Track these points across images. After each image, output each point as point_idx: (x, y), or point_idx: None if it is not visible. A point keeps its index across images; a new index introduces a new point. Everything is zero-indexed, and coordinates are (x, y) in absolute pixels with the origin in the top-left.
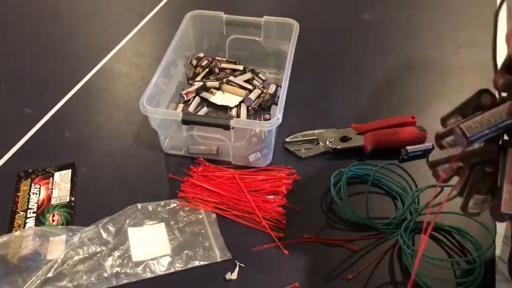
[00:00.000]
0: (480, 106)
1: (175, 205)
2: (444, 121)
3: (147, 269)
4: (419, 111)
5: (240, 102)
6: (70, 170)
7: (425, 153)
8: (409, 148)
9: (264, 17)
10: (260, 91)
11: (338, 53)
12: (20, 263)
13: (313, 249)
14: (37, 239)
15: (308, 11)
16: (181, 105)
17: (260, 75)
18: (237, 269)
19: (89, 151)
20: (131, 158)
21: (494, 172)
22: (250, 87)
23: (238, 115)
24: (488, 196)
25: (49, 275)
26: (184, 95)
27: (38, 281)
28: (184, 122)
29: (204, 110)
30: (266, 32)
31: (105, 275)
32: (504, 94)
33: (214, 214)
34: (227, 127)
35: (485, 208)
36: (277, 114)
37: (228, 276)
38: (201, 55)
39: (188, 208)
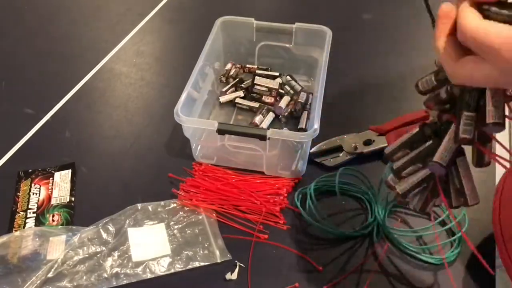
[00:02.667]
0: (426, 136)
1: (175, 205)
2: (390, 155)
3: (147, 270)
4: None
5: (268, 109)
6: (70, 170)
7: None
8: None
9: (296, 23)
10: (290, 98)
11: (339, 53)
12: (20, 263)
13: (314, 249)
14: (37, 239)
15: (308, 11)
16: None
17: (296, 82)
18: (237, 269)
19: (89, 151)
20: (131, 158)
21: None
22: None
23: (261, 122)
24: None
25: (49, 275)
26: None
27: (38, 281)
28: (220, 131)
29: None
30: (297, 39)
31: (105, 275)
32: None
33: (214, 215)
34: (263, 138)
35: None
36: (314, 125)
37: (228, 276)
38: (229, 66)
39: (188, 208)
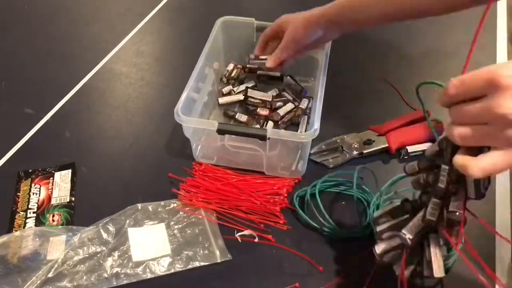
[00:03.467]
0: (405, 211)
1: (175, 205)
2: (377, 219)
3: (147, 270)
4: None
5: (267, 117)
6: (70, 170)
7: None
8: (409, 148)
9: None
10: (293, 106)
11: (339, 53)
12: (20, 263)
13: (314, 249)
14: (37, 239)
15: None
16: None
17: (296, 83)
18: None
19: (89, 151)
20: (131, 158)
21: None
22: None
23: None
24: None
25: (49, 275)
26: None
27: (38, 281)
28: (220, 131)
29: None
30: None
31: (105, 275)
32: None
33: (215, 215)
34: (263, 138)
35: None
36: (314, 125)
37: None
38: (231, 66)
39: (188, 208)
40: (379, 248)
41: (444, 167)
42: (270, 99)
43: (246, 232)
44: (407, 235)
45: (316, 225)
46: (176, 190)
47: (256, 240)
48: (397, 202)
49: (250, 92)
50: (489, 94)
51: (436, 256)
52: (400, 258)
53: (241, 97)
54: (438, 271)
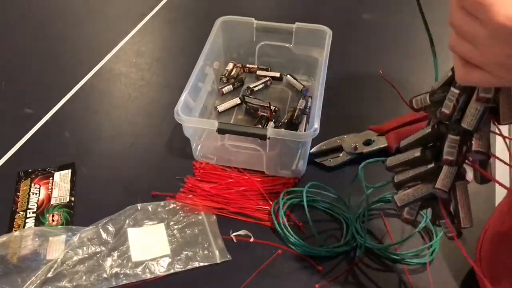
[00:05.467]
0: (427, 159)
1: (174, 205)
2: (392, 168)
3: (147, 270)
4: None
5: (267, 119)
6: (70, 170)
7: None
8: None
9: (296, 23)
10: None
11: (339, 53)
12: (19, 263)
13: (313, 249)
14: (37, 239)
15: (308, 11)
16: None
17: (297, 81)
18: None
19: (89, 151)
20: (131, 158)
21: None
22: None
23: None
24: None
25: (49, 275)
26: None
27: (38, 281)
28: (220, 131)
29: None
30: (297, 39)
31: (105, 275)
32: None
33: (214, 215)
34: (263, 137)
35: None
36: (314, 124)
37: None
38: (230, 66)
39: (188, 208)
40: (399, 199)
41: (454, 90)
42: (268, 105)
43: (241, 232)
44: (443, 189)
45: (294, 247)
46: (176, 190)
47: (252, 240)
48: (416, 153)
49: (248, 99)
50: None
51: (464, 204)
52: (415, 208)
53: (237, 101)
54: (466, 220)
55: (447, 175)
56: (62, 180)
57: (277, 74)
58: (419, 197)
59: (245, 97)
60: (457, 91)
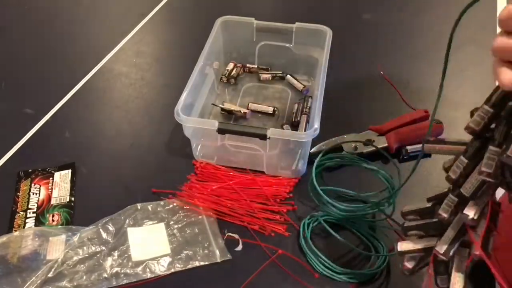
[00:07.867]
0: (433, 212)
1: (175, 205)
2: (405, 215)
3: (147, 269)
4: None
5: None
6: (70, 170)
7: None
8: (409, 148)
9: (296, 23)
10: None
11: (339, 53)
12: (20, 263)
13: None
14: (37, 239)
15: (308, 11)
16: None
17: (297, 81)
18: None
19: (89, 151)
20: (131, 158)
21: None
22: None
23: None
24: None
25: (49, 275)
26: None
27: (38, 281)
28: (220, 131)
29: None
30: (297, 39)
31: (105, 275)
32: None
33: (214, 214)
34: (263, 137)
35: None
36: (314, 124)
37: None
38: (231, 66)
39: (188, 208)
40: (401, 246)
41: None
42: (271, 111)
43: (235, 236)
44: (441, 249)
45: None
46: (176, 189)
47: (240, 248)
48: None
49: (251, 106)
50: None
51: (456, 277)
52: (422, 261)
53: (244, 109)
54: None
55: (447, 241)
56: (62, 180)
57: (279, 73)
58: (418, 248)
59: (250, 103)
60: (497, 149)
